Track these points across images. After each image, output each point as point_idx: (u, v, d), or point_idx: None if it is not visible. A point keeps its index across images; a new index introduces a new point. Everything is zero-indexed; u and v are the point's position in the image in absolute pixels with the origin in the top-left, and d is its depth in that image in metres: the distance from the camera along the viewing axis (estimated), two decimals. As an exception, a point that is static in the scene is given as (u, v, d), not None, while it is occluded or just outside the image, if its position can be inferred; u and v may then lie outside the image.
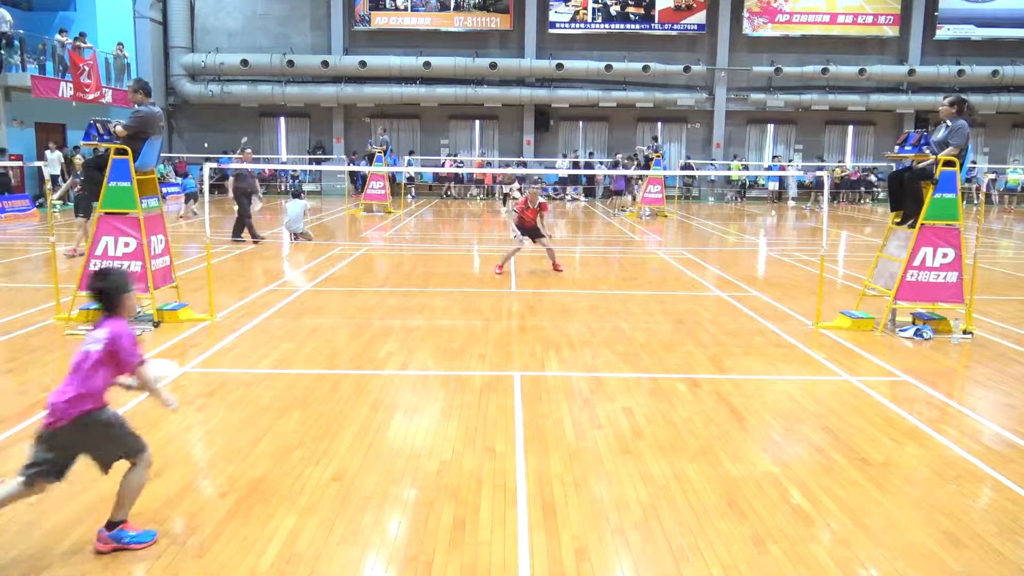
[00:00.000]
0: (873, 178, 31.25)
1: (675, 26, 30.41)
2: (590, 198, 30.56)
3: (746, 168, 30.71)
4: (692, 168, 29.34)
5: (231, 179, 15.39)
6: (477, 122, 31.87)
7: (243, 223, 15.13)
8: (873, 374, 6.70)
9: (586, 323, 8.50)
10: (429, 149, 31.48)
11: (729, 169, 30.04)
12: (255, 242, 15.01)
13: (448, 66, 29.51)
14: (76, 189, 12.46)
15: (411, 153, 30.53)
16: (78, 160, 13.65)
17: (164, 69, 29.81)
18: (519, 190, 24.52)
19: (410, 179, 30.34)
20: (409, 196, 29.71)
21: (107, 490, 4.20)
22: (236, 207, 15.17)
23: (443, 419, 5.41)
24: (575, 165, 30.20)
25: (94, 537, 3.64)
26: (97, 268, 3.50)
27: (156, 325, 7.95)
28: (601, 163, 30.42)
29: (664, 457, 4.79)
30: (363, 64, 29.28)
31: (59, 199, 18.94)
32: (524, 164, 30.03)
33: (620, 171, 23.32)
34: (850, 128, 31.94)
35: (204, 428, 5.21)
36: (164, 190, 17.80)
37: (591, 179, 30.75)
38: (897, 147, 8.79)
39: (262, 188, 29.52)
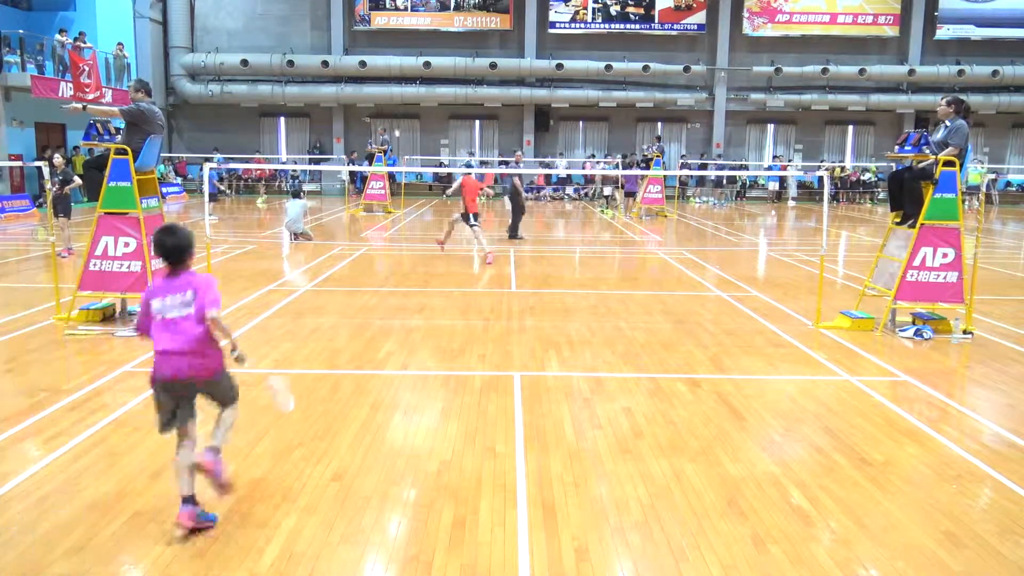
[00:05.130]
0: (868, 175, 31.19)
1: (675, 26, 30.41)
2: (586, 198, 30.53)
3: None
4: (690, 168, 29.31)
5: (515, 180, 16.13)
6: (477, 122, 31.86)
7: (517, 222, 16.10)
8: (873, 374, 6.70)
9: (586, 323, 8.50)
10: (429, 149, 31.47)
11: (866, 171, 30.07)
12: (520, 239, 15.94)
13: (448, 66, 29.50)
14: (55, 189, 12.44)
15: (471, 155, 30.59)
16: (58, 161, 13.65)
17: (164, 69, 29.80)
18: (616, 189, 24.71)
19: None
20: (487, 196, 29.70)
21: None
22: (510, 207, 16.12)
23: (443, 419, 5.41)
24: (584, 166, 30.16)
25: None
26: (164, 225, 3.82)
27: (156, 325, 7.94)
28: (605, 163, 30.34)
29: (664, 457, 4.79)
30: (363, 64, 29.28)
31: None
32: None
33: (634, 171, 23.35)
34: (850, 128, 31.94)
35: (204, 428, 5.19)
36: (164, 190, 17.78)
37: (587, 179, 30.69)
38: (897, 147, 8.79)
39: (262, 188, 29.89)
